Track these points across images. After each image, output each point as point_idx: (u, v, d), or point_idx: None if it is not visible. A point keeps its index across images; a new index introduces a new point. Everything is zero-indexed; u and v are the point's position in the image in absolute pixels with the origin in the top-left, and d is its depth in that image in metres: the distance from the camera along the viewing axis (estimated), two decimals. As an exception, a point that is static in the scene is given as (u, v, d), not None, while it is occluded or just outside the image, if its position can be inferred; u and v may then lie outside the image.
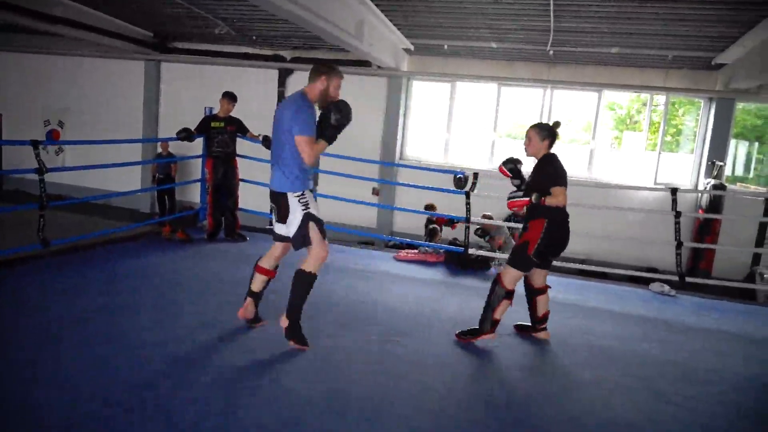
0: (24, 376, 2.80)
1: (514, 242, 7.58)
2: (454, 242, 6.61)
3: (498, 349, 3.77)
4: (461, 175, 6.21)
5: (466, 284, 5.57)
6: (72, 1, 9.55)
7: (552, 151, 3.79)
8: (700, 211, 9.92)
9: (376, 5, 8.09)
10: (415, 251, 6.53)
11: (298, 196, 3.34)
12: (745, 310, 5.59)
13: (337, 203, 7.94)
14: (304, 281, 3.38)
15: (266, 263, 3.70)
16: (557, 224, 3.67)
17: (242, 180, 6.62)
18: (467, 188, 6.17)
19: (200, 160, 6.83)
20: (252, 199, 7.49)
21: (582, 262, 8.84)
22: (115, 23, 10.86)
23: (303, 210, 3.32)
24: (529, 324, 4.07)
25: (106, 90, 13.29)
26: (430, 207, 8.56)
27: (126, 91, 13.09)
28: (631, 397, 3.23)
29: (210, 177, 6.30)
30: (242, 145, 6.57)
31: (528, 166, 3.97)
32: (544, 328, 4.02)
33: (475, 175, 6.29)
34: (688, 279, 5.94)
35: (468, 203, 6.22)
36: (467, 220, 6.23)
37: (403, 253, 6.50)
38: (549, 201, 3.60)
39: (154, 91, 12.94)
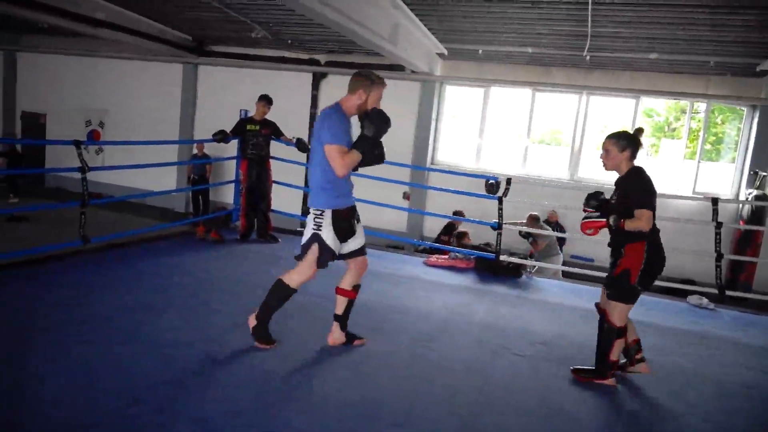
0: (50, 372, 2.84)
1: (557, 249, 7.54)
2: (485, 248, 6.55)
3: (527, 357, 3.72)
4: (493, 180, 6.16)
5: (497, 291, 5.51)
6: (113, 5, 9.84)
7: (637, 163, 3.29)
8: (741, 222, 9.61)
9: (411, 9, 8.10)
10: (446, 257, 6.50)
11: (316, 214, 3.23)
12: (788, 326, 5.39)
13: (367, 206, 7.93)
14: (280, 291, 3.33)
15: (346, 284, 3.55)
16: (656, 246, 3.24)
17: (275, 182, 6.69)
18: (500, 194, 6.11)
19: (234, 161, 6.94)
20: (284, 201, 7.59)
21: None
22: (155, 27, 11.16)
23: (314, 229, 3.22)
24: (623, 360, 3.51)
25: (145, 92, 13.64)
26: (458, 213, 8.54)
27: (164, 93, 13.40)
28: (660, 409, 3.16)
29: (244, 178, 6.39)
30: (276, 148, 6.64)
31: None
32: (641, 359, 3.46)
33: (508, 180, 6.22)
34: (728, 292, 5.75)
35: (500, 209, 6.15)
36: (499, 226, 6.16)
37: (433, 258, 6.48)
38: (629, 225, 3.12)
39: (191, 93, 13.22)
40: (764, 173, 9.62)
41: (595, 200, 3.36)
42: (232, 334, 3.56)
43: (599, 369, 3.35)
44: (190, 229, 6.66)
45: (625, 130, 3.37)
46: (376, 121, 3.23)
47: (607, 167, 3.34)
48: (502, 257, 6.10)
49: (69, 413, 2.49)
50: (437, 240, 8.67)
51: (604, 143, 3.31)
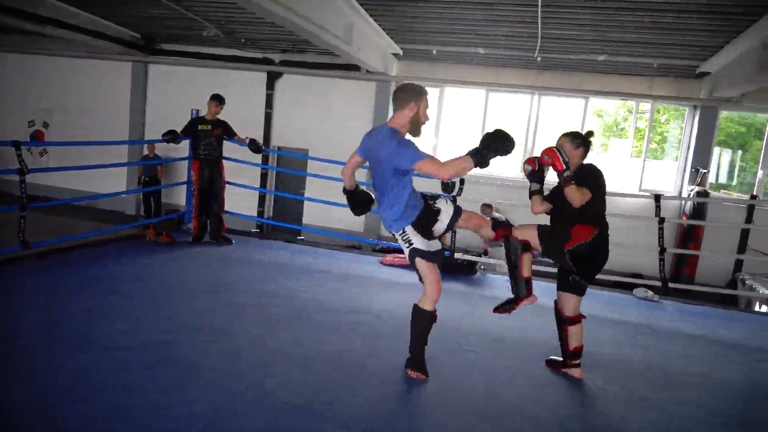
0: None
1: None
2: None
3: (481, 353, 3.77)
4: (448, 180, 6.23)
5: (451, 289, 5.57)
6: (58, 1, 9.48)
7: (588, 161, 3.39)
8: (684, 217, 10.03)
9: (366, 9, 8.11)
10: (402, 255, 6.53)
11: (401, 235, 3.19)
12: (727, 316, 5.65)
13: (324, 207, 7.92)
14: (419, 318, 3.25)
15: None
16: (603, 239, 3.28)
17: (228, 183, 6.58)
18: (454, 193, 6.19)
19: (186, 162, 6.79)
20: (238, 202, 7.47)
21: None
22: (102, 24, 10.81)
23: (407, 247, 3.18)
24: (561, 359, 3.59)
25: (93, 91, 13.19)
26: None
27: (112, 92, 13.00)
28: (611, 400, 3.25)
29: (196, 180, 6.26)
30: (230, 149, 6.54)
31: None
32: (577, 365, 3.50)
33: (461, 180, 6.31)
34: (672, 285, 5.99)
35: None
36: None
37: (389, 257, 6.50)
38: (571, 189, 3.16)
39: (140, 92, 12.86)
40: (705, 171, 10.08)
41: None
42: (185, 338, 3.48)
43: (516, 293, 3.33)
44: (140, 232, 6.47)
45: (577, 131, 3.48)
46: (499, 142, 2.96)
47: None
48: (457, 255, 6.17)
49: (16, 419, 2.39)
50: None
51: (558, 140, 3.39)
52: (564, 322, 3.49)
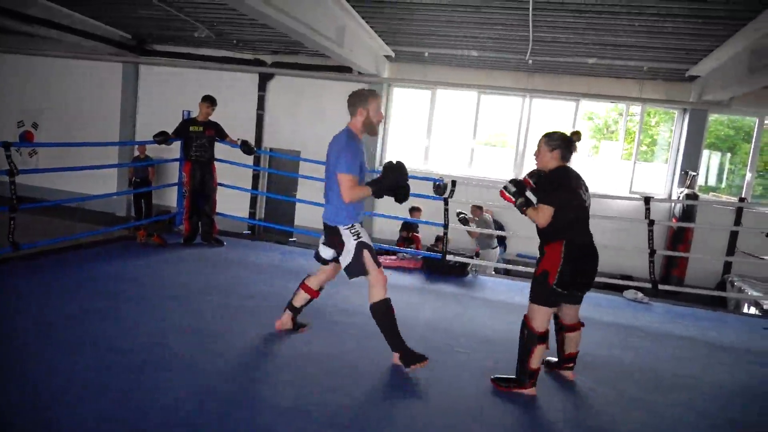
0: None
1: (495, 243, 7.80)
2: (432, 248, 6.64)
3: (471, 355, 3.78)
4: (440, 183, 6.26)
5: (444, 290, 5.59)
6: (48, 1, 9.41)
7: (567, 164, 3.28)
8: (673, 219, 10.11)
9: (357, 11, 8.12)
10: (393, 257, 6.54)
11: (348, 228, 3.42)
12: (716, 318, 5.71)
13: (316, 209, 7.89)
14: (381, 312, 3.38)
15: (313, 283, 3.80)
16: (578, 247, 3.15)
17: (220, 184, 6.56)
18: (446, 195, 6.21)
19: (178, 163, 6.76)
20: (230, 203, 7.45)
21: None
22: (92, 24, 10.74)
23: (355, 240, 3.38)
24: (555, 359, 3.60)
25: (83, 92, 13.10)
26: (415, 210, 8.63)
27: (103, 93, 12.92)
28: (602, 402, 3.28)
29: (187, 181, 6.24)
30: (222, 150, 6.52)
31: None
32: (571, 368, 3.54)
33: (453, 182, 6.33)
34: (661, 286, 6.04)
35: (446, 209, 6.26)
36: (445, 226, 6.26)
37: (381, 259, 6.50)
38: (529, 213, 3.24)
39: (131, 93, 12.79)
40: (694, 173, 10.17)
41: (513, 186, 3.39)
42: (177, 340, 3.47)
43: (518, 378, 3.24)
44: (131, 233, 6.44)
45: (560, 131, 3.35)
46: (392, 175, 3.39)
47: (537, 165, 3.38)
48: (449, 257, 6.19)
49: (7, 427, 2.37)
50: (399, 238, 8.68)
51: (538, 141, 3.35)
52: (562, 328, 3.50)
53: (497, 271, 8.08)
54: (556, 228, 3.15)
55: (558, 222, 3.13)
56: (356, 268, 3.37)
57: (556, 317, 3.50)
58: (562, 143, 3.25)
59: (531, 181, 3.46)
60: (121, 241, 6.15)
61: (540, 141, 3.32)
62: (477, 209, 7.79)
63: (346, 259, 3.39)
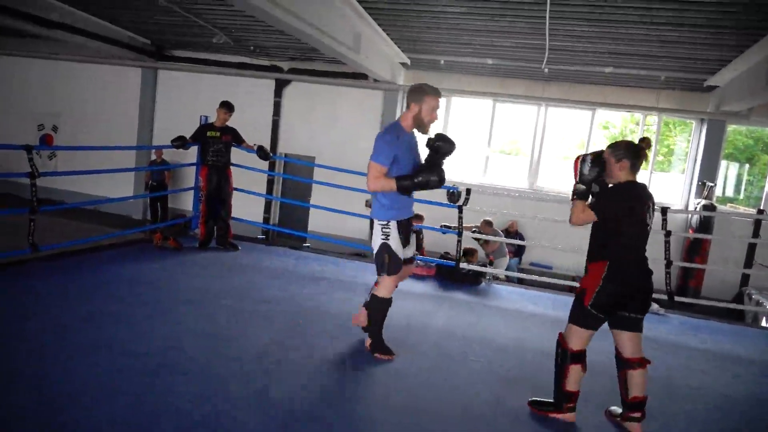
0: (3, 383, 2.76)
1: (504, 252, 7.79)
2: (445, 256, 6.63)
3: (485, 363, 3.77)
4: (454, 190, 6.25)
5: (456, 298, 5.57)
6: (69, 6, 9.59)
7: (635, 176, 3.00)
8: (690, 230, 10.00)
9: (374, 19, 8.17)
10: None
11: (382, 225, 3.46)
12: (732, 331, 5.63)
13: (330, 215, 7.95)
14: (376, 305, 3.59)
15: None
16: (625, 267, 2.94)
17: (236, 189, 6.62)
18: (460, 203, 6.21)
19: (194, 168, 6.84)
20: (245, 208, 7.51)
21: (573, 279, 8.88)
22: (113, 30, 10.92)
23: (382, 239, 3.45)
24: (620, 410, 3.13)
25: (102, 96, 13.30)
26: (416, 217, 8.65)
27: (122, 97, 13.10)
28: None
29: (204, 185, 6.30)
30: (238, 155, 6.58)
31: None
32: (637, 419, 3.01)
33: (468, 190, 6.33)
34: (678, 298, 5.97)
35: (460, 217, 6.26)
36: (459, 234, 6.25)
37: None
38: (574, 204, 2.99)
39: (149, 98, 12.96)
40: (711, 184, 10.05)
41: (590, 167, 3.01)
42: (191, 344, 3.50)
43: (555, 400, 3.09)
44: (147, 236, 6.51)
45: (627, 140, 3.11)
46: (427, 171, 3.37)
47: (608, 180, 3.07)
48: (462, 265, 6.18)
49: (22, 424, 2.41)
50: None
51: (603, 154, 3.04)
52: (622, 364, 3.06)
53: (510, 279, 8.04)
54: (601, 244, 2.99)
55: (605, 238, 2.98)
56: (378, 266, 3.49)
57: (616, 351, 3.10)
58: (628, 152, 2.97)
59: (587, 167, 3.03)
60: (137, 244, 6.22)
61: (605, 152, 3.03)
62: (487, 226, 7.76)
63: (374, 250, 3.50)
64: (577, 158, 3.08)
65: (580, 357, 3.01)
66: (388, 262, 3.45)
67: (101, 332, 3.53)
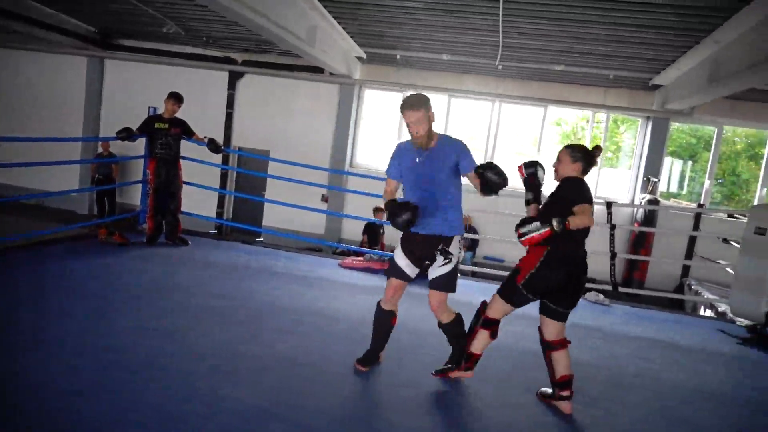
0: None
1: (461, 249, 7.87)
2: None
3: (437, 356, 3.81)
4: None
5: (411, 291, 5.57)
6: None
7: (583, 177, 3.16)
8: (635, 224, 10.36)
9: (329, 12, 8.10)
10: (361, 258, 6.54)
11: (460, 240, 3.31)
12: (673, 320, 5.88)
13: (285, 209, 7.86)
14: (377, 316, 3.46)
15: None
16: (562, 257, 3.02)
17: (188, 183, 6.46)
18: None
19: (142, 161, 6.63)
20: (196, 202, 7.34)
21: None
22: (56, 17, 10.45)
23: (459, 252, 3.31)
24: (551, 390, 3.26)
25: (45, 86, 12.73)
26: (378, 210, 8.69)
27: (66, 87, 12.58)
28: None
29: (152, 179, 6.12)
30: (188, 148, 6.42)
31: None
32: (567, 397, 3.12)
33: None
34: (622, 289, 6.19)
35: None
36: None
37: (348, 260, 6.50)
38: (574, 222, 2.87)
39: (96, 88, 12.49)
40: (656, 179, 10.45)
41: (533, 168, 3.25)
42: (138, 341, 3.39)
43: (456, 360, 3.27)
44: (92, 231, 6.28)
45: (584, 145, 3.26)
46: (397, 212, 3.15)
47: (556, 176, 3.20)
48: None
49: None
50: (361, 242, 8.75)
51: (559, 152, 3.19)
52: (545, 346, 3.22)
53: (464, 273, 8.14)
54: (555, 235, 2.96)
55: None
56: (451, 284, 3.31)
57: (539, 333, 3.25)
58: (585, 157, 3.13)
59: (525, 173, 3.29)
60: (81, 240, 5.99)
61: (562, 151, 3.18)
62: None
63: (441, 269, 3.28)
64: (521, 166, 3.27)
65: (491, 324, 3.22)
66: (391, 269, 3.37)
67: (43, 330, 3.38)
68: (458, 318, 3.39)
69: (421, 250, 3.29)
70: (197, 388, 2.89)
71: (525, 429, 2.97)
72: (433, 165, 3.25)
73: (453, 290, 3.29)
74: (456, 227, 3.28)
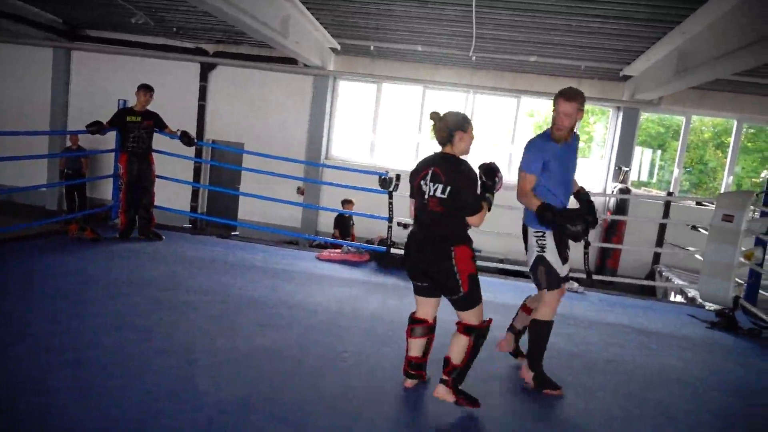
0: None
1: None
2: (383, 242, 6.66)
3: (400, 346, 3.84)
4: (385, 176, 6.28)
5: (388, 283, 5.63)
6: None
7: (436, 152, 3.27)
8: (608, 213, 10.55)
9: (302, 2, 8.02)
10: (338, 251, 6.53)
11: (537, 236, 3.22)
12: (645, 306, 6.01)
13: (261, 202, 7.81)
14: (539, 331, 3.25)
15: (532, 302, 3.55)
16: (411, 235, 3.09)
17: (160, 177, 6.36)
18: (390, 189, 6.25)
19: (113, 154, 6.50)
20: (170, 196, 7.23)
21: (500, 261, 9.18)
22: (19, 6, 10.12)
23: (538, 252, 3.21)
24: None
25: (9, 78, 12.35)
26: (347, 202, 8.70)
27: (31, 79, 12.23)
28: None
29: (124, 173, 6.01)
30: (160, 141, 6.31)
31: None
32: (443, 381, 2.97)
33: (398, 176, 6.37)
34: (596, 277, 6.30)
35: (390, 203, 6.30)
36: (390, 219, 6.30)
37: (325, 252, 6.48)
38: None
39: (62, 80, 12.18)
40: (627, 169, 10.64)
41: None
42: (111, 337, 3.34)
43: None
44: (62, 227, 6.15)
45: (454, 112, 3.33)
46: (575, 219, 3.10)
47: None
48: (394, 250, 6.24)
49: None
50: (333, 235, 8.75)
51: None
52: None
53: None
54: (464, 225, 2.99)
55: (460, 217, 2.98)
56: (536, 280, 3.26)
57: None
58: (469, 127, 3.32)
59: None
60: (51, 236, 5.86)
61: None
62: None
63: (528, 263, 3.27)
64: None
65: (415, 321, 3.19)
66: (546, 277, 3.19)
67: (13, 328, 3.32)
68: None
69: (565, 244, 3.26)
70: (176, 383, 2.87)
71: (498, 413, 3.02)
72: (572, 159, 3.36)
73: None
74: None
